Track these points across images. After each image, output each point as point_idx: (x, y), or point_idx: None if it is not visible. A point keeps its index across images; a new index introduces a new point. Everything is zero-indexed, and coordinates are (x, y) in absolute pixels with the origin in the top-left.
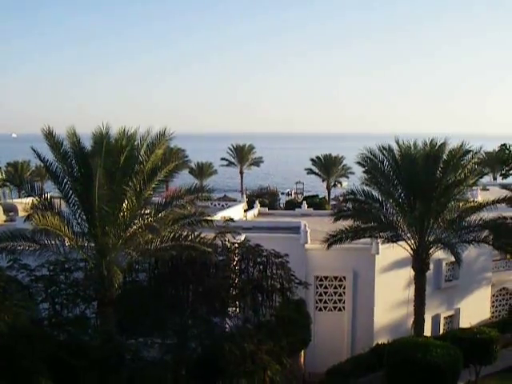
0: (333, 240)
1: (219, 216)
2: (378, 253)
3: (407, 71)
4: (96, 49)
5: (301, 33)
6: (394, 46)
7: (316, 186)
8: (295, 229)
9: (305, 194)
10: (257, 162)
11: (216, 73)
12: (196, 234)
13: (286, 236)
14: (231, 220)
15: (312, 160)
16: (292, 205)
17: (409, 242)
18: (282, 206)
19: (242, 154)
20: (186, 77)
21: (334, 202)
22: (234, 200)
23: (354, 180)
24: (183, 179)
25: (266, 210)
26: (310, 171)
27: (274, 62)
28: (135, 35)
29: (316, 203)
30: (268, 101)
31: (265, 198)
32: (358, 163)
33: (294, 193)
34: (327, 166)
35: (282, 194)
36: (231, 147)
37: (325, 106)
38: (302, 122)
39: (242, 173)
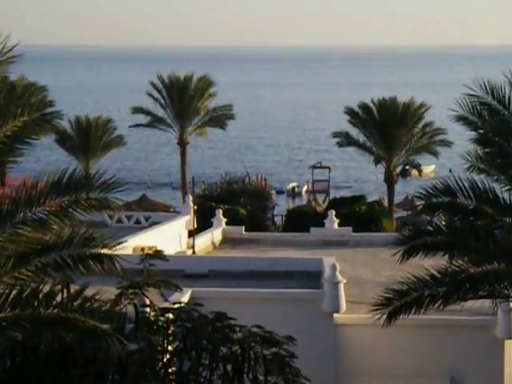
0: (400, 304)
1: (130, 246)
2: (510, 336)
3: None
4: None
5: None
6: None
7: (359, 173)
8: (310, 277)
9: (332, 193)
10: (220, 119)
11: None
12: (75, 288)
13: (288, 294)
14: (158, 256)
15: (350, 112)
16: (303, 218)
17: None
18: (278, 220)
19: (184, 99)
20: None
21: (400, 213)
22: (166, 209)
23: (450, 160)
24: (44, 158)
25: (240, 230)
26: (346, 139)
27: None
28: None
29: (359, 215)
30: None
31: (239, 201)
32: (459, 119)
33: (308, 191)
34: (386, 129)
35: (280, 192)
36: (158, 81)
37: None
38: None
39: (183, 143)
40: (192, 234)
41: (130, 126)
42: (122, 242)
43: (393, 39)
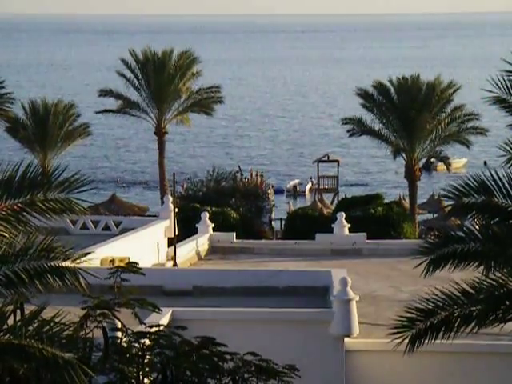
0: (424, 326)
1: (98, 258)
2: None
3: None
4: None
5: None
6: None
7: (375, 168)
8: (316, 293)
9: (342, 192)
10: (206, 103)
11: None
12: (31, 309)
13: (289, 315)
14: (132, 269)
15: (362, 94)
16: (306, 222)
17: None
18: (276, 225)
19: (162, 79)
20: None
21: (425, 216)
22: (140, 212)
23: (485, 151)
24: None
25: (231, 237)
26: (358, 127)
27: None
28: None
29: (375, 218)
30: None
31: (229, 203)
32: (495, 101)
33: (313, 189)
34: (407, 114)
35: (279, 191)
36: (130, 57)
37: None
38: None
39: (161, 132)
40: (172, 242)
41: (96, 112)
42: (87, 253)
43: (409, 5)
